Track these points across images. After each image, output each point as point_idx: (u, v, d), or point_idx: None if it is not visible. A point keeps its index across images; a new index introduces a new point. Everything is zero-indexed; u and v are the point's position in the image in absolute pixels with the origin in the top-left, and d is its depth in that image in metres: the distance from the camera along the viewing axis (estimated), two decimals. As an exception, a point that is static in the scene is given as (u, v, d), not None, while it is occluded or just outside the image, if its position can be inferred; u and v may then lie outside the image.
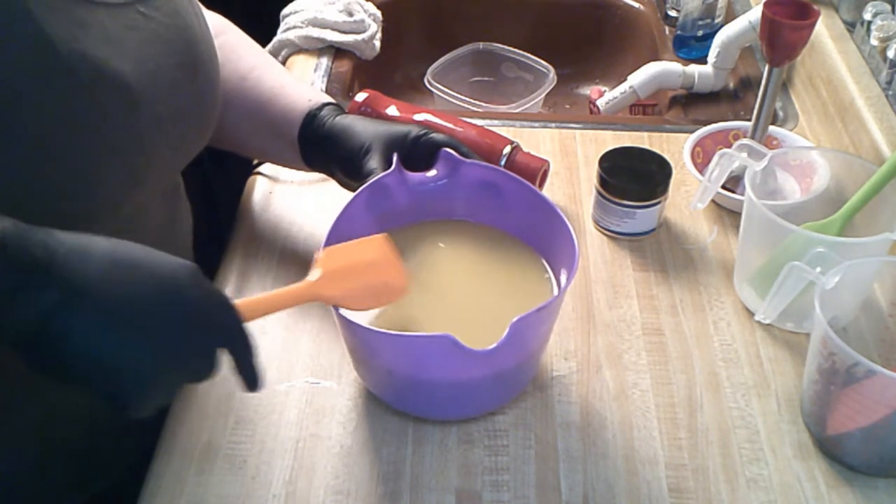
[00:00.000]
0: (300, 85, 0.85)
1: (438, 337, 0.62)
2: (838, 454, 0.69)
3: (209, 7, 0.85)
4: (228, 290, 0.82)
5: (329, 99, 0.82)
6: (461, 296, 0.74)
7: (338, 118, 0.79)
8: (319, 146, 0.79)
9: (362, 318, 0.68)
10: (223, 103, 0.79)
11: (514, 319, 0.63)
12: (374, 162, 0.75)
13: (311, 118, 0.80)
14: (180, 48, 0.68)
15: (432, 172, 0.77)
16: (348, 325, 0.66)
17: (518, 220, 0.78)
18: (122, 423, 0.73)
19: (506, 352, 0.64)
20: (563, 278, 0.72)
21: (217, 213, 1.24)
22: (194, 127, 0.72)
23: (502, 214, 0.78)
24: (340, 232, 0.71)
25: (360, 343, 0.69)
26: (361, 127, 0.78)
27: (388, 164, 0.75)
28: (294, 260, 0.86)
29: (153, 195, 0.71)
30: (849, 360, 0.65)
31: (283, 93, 0.82)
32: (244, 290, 0.82)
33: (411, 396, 0.71)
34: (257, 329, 0.78)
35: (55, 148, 0.58)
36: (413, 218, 0.79)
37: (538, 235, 0.77)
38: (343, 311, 0.66)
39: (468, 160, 0.76)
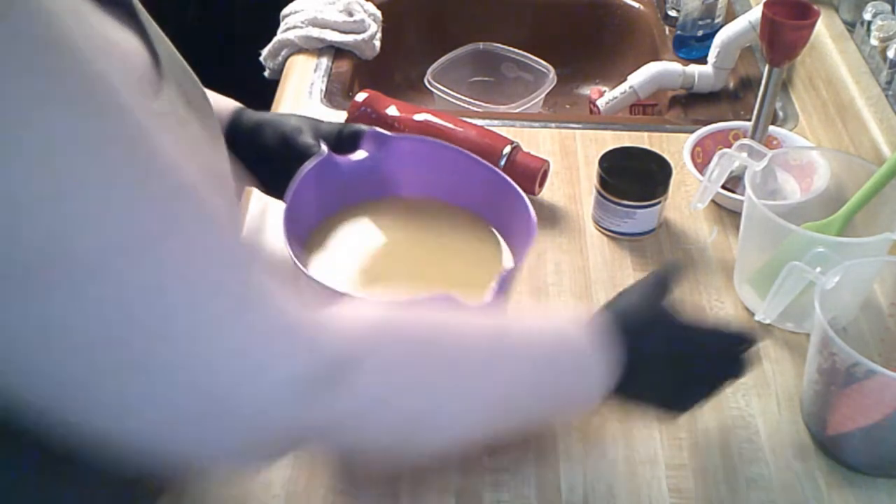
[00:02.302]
0: (212, 94, 0.85)
1: (439, 297, 0.63)
2: (838, 454, 0.69)
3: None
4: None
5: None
6: (414, 271, 0.76)
7: (261, 113, 0.81)
8: (249, 136, 0.79)
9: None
10: None
11: (503, 271, 0.67)
12: (309, 138, 0.77)
13: (238, 115, 0.80)
14: (219, 148, 0.65)
15: (361, 154, 0.78)
16: (325, 289, 0.66)
17: (459, 188, 0.79)
18: None
19: (491, 307, 0.66)
20: (515, 260, 0.74)
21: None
22: None
23: (442, 185, 0.80)
24: (293, 222, 0.71)
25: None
26: (288, 116, 0.81)
27: (319, 143, 0.77)
28: (294, 260, 0.86)
29: None
30: (849, 360, 0.64)
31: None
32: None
33: None
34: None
35: None
36: (350, 200, 0.80)
37: (483, 201, 0.78)
38: (316, 269, 0.67)
39: (395, 134, 0.78)
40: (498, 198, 0.76)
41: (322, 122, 0.81)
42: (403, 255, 0.77)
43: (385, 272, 0.75)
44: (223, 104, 0.81)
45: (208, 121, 0.64)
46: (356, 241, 0.78)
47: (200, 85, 0.66)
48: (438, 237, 0.78)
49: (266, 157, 0.78)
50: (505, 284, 0.67)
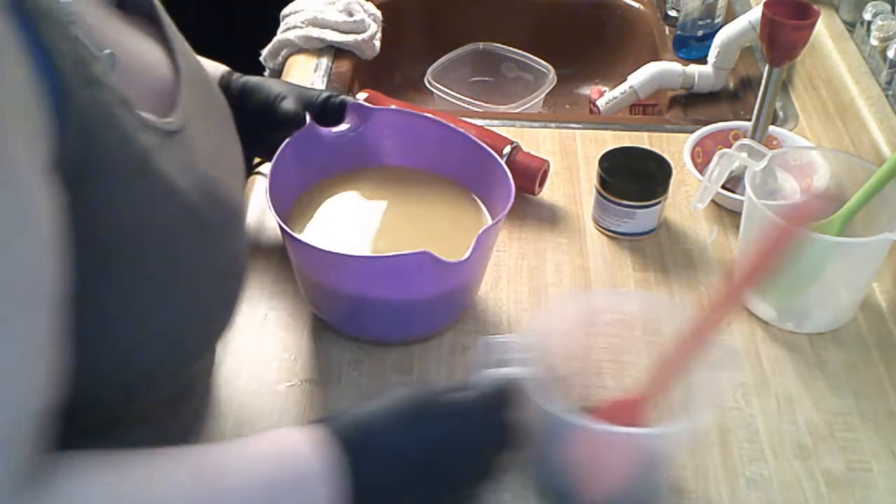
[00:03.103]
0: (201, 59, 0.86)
1: (417, 254, 0.66)
2: None
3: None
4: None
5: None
6: (397, 233, 0.78)
7: (247, 77, 0.81)
8: (233, 102, 0.77)
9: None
10: None
11: (480, 230, 0.69)
12: (290, 104, 0.78)
13: (226, 80, 0.81)
14: (237, 153, 0.66)
15: (344, 126, 0.81)
16: (311, 250, 0.69)
17: (440, 157, 0.81)
18: None
19: (468, 265, 0.69)
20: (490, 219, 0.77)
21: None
22: None
23: (423, 154, 0.82)
24: (278, 189, 0.73)
25: (324, 266, 0.72)
26: (274, 81, 0.82)
27: (303, 112, 0.78)
28: (294, 260, 0.86)
29: None
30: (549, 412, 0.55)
31: None
32: (244, 290, 0.82)
33: (362, 318, 0.75)
34: (256, 327, 0.78)
35: (202, 291, 0.54)
36: (333, 169, 0.82)
37: (463, 169, 0.81)
38: (301, 235, 0.71)
39: (379, 107, 0.81)
40: (477, 164, 0.79)
41: (307, 88, 0.83)
42: (386, 220, 0.79)
43: (368, 235, 0.78)
44: (211, 70, 0.82)
45: (227, 123, 0.66)
46: (339, 208, 0.80)
47: (220, 93, 0.68)
48: (420, 202, 0.81)
49: (250, 122, 0.78)
50: (484, 241, 0.70)
